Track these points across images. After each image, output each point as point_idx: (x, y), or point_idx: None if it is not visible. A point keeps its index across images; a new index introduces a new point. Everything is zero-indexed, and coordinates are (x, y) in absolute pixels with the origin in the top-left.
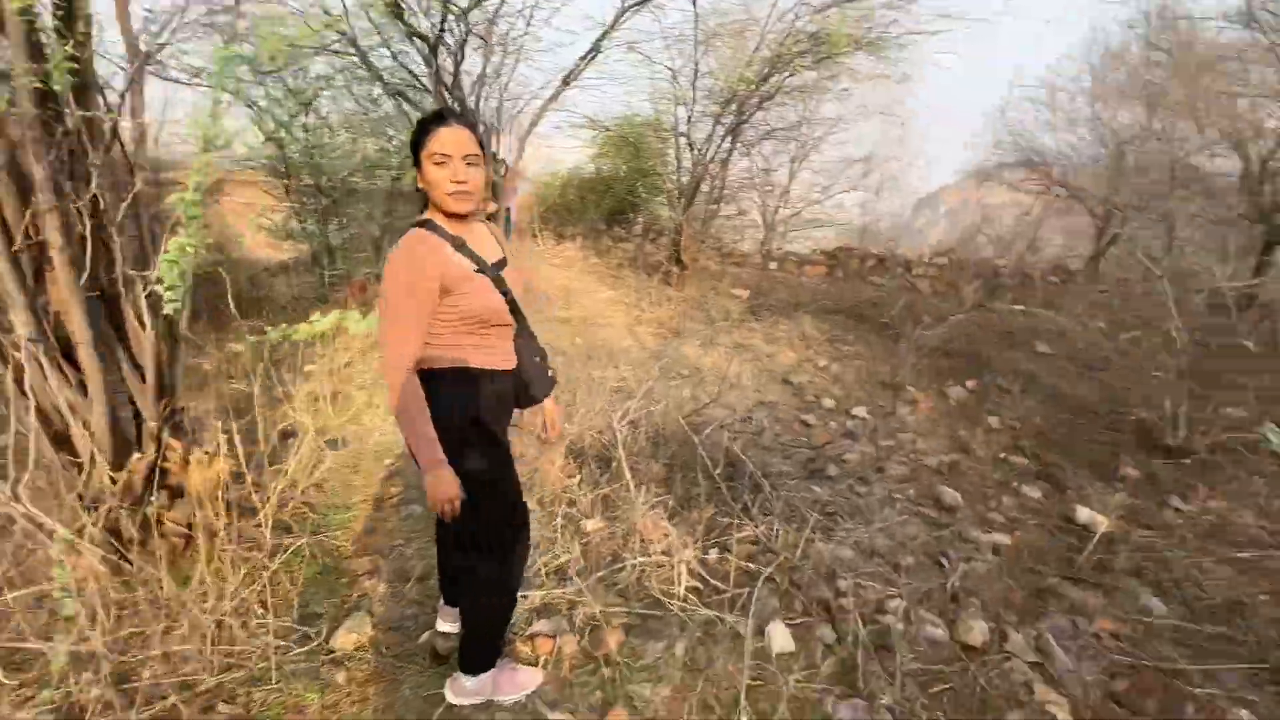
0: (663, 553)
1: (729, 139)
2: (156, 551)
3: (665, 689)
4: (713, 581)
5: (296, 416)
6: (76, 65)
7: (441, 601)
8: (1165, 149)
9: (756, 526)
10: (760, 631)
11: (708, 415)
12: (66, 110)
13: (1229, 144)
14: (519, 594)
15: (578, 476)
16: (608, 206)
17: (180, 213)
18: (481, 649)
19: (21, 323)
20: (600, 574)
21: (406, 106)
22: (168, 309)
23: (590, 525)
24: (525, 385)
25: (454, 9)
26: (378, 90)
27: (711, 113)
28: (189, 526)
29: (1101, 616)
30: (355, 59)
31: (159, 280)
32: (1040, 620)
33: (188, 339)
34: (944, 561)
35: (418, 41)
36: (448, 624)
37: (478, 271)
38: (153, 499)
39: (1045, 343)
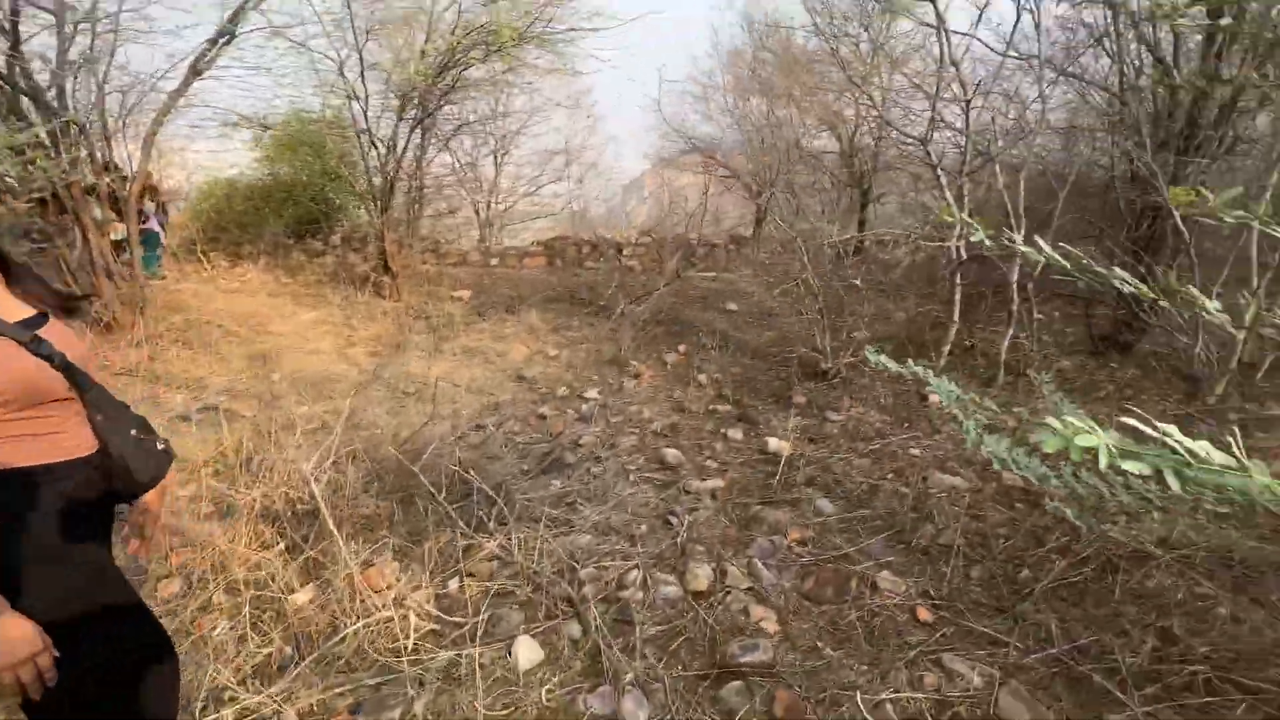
0: (394, 601)
1: (419, 134)
2: None
3: None
4: (452, 617)
5: None
6: None
7: None
8: (782, 133)
9: (493, 540)
10: (508, 651)
11: (428, 434)
12: None
13: (826, 128)
14: None
15: (277, 546)
16: (292, 216)
17: None
18: None
19: None
20: (314, 655)
21: None
22: None
23: (300, 599)
24: (123, 470)
25: None
26: None
27: (392, 107)
28: None
29: (791, 528)
30: None
31: None
32: (749, 548)
33: None
34: (672, 519)
35: None
36: None
37: None
38: None
39: (732, 301)
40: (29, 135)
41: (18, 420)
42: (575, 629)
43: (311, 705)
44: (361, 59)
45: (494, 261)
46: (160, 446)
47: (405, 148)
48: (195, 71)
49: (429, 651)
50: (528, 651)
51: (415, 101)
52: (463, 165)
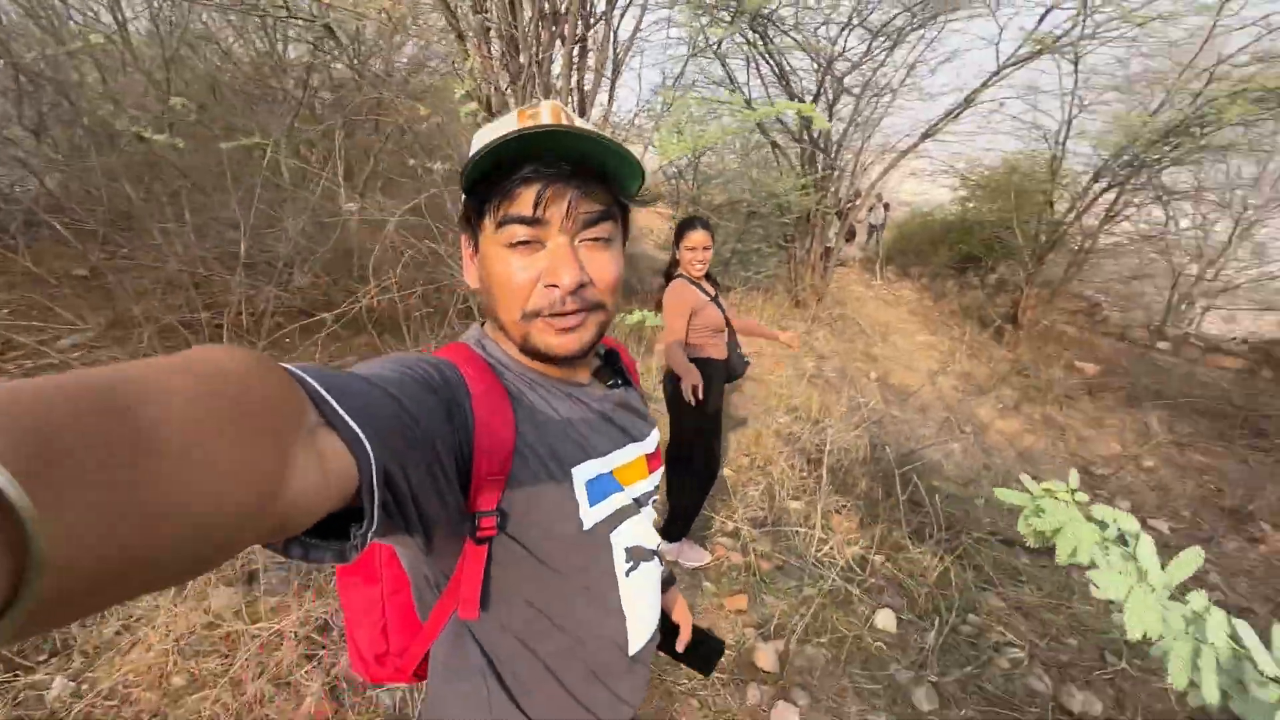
0: (839, 537)
1: (1114, 192)
2: None
3: (782, 603)
4: (858, 571)
5: None
6: None
7: None
8: None
9: (924, 546)
10: (874, 611)
11: (923, 456)
12: None
13: None
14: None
15: (798, 469)
16: (962, 252)
17: None
18: (676, 526)
19: None
20: (771, 528)
21: (777, 152)
22: None
23: (793, 505)
24: (733, 367)
25: (832, 75)
26: (758, 137)
27: (1094, 165)
28: None
29: None
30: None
31: None
32: None
33: None
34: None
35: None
36: None
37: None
38: None
39: None
40: (811, 178)
41: (713, 338)
42: (931, 637)
43: (760, 551)
44: (1070, 126)
45: (1162, 345)
46: (747, 361)
47: (1087, 206)
48: (925, 136)
49: (828, 567)
50: (884, 620)
51: (1124, 163)
52: (1175, 226)
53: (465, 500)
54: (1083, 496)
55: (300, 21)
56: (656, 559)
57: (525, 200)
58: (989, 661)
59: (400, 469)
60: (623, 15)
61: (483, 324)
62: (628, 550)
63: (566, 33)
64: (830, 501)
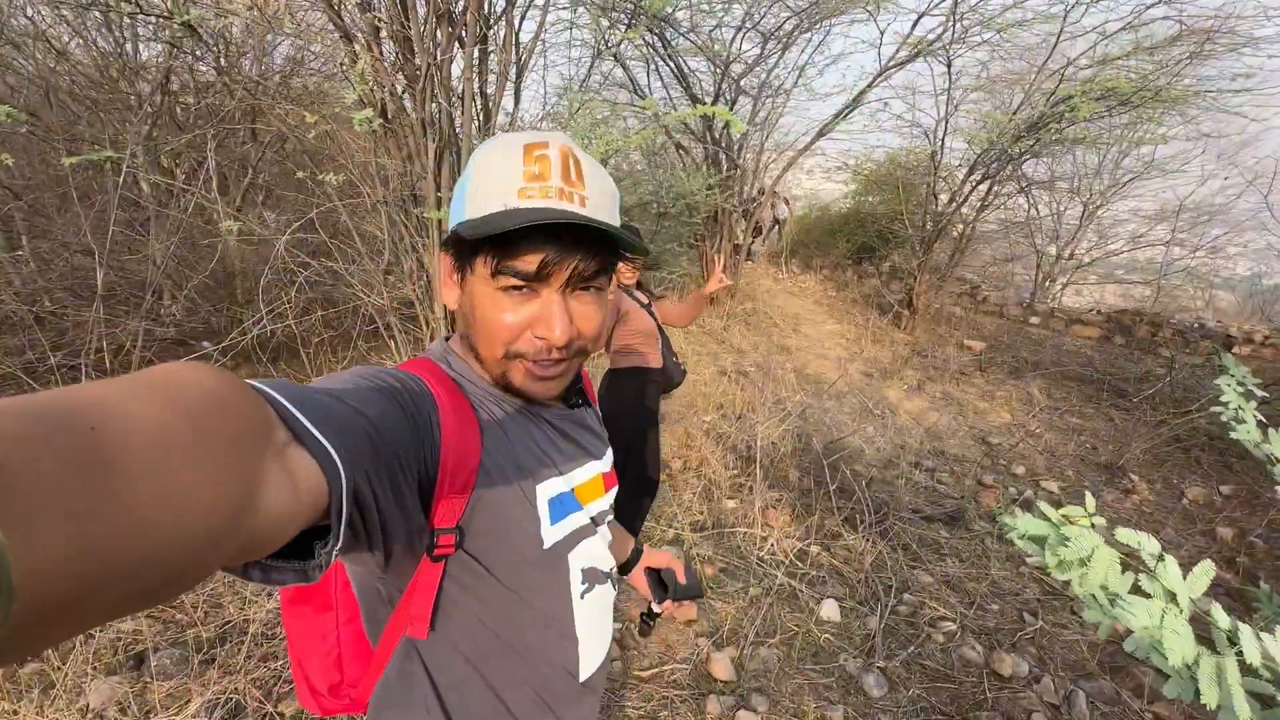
0: (777, 532)
1: (986, 184)
2: None
3: (731, 607)
4: (800, 565)
5: None
6: None
7: None
8: None
9: (855, 535)
10: (819, 603)
11: (854, 446)
12: None
13: None
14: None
15: (729, 468)
16: (857, 242)
17: None
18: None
19: None
20: (712, 531)
21: (682, 153)
22: None
23: (730, 504)
24: (669, 375)
25: (729, 78)
26: (662, 139)
27: (968, 160)
28: None
29: None
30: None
31: None
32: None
33: None
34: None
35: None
36: None
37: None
38: None
39: None
40: (717, 178)
41: (645, 344)
42: (873, 621)
43: (699, 555)
44: (947, 124)
45: (1033, 320)
46: (684, 369)
47: (965, 197)
48: (819, 134)
49: (771, 567)
50: (829, 610)
51: (993, 156)
52: (1036, 213)
53: (426, 516)
54: (1101, 521)
55: (154, 19)
56: (610, 582)
57: (528, 261)
58: (927, 638)
59: (368, 486)
60: (523, 16)
61: (447, 338)
62: (584, 571)
63: (466, 34)
64: (766, 497)
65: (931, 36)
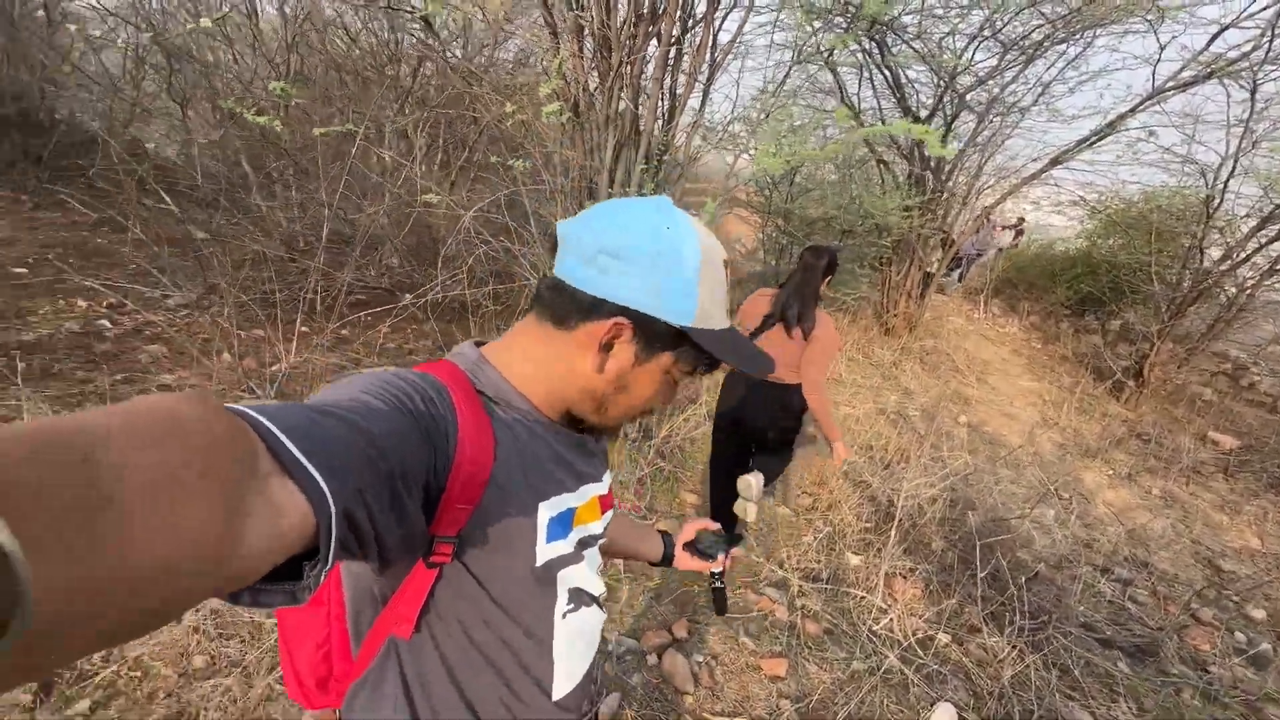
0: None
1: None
2: None
3: (827, 677)
4: (919, 652)
5: None
6: None
7: None
8: None
9: (993, 638)
10: (932, 705)
11: (1013, 525)
12: None
13: None
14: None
15: (862, 519)
16: (1082, 291)
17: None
18: None
19: None
20: (825, 585)
21: (883, 168)
22: None
23: (854, 560)
24: None
25: (953, 90)
26: (862, 151)
27: (1258, 209)
28: None
29: None
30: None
31: None
32: None
33: None
34: None
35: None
36: None
37: None
38: None
39: None
40: (918, 201)
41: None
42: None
43: (811, 611)
44: (1236, 163)
45: None
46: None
47: (1248, 256)
48: (1054, 162)
49: (888, 642)
50: (942, 714)
51: None
52: None
53: (429, 523)
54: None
55: (406, 12)
56: (597, 606)
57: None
58: None
59: (363, 504)
60: (724, 17)
61: (479, 343)
62: (571, 591)
63: (663, 33)
64: (897, 563)
65: (1235, 54)
